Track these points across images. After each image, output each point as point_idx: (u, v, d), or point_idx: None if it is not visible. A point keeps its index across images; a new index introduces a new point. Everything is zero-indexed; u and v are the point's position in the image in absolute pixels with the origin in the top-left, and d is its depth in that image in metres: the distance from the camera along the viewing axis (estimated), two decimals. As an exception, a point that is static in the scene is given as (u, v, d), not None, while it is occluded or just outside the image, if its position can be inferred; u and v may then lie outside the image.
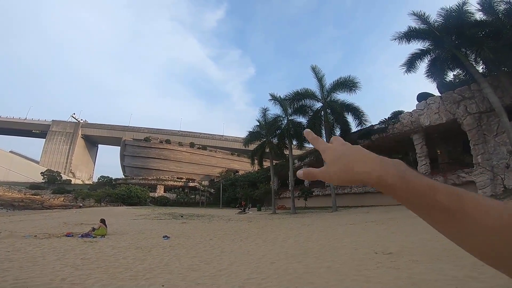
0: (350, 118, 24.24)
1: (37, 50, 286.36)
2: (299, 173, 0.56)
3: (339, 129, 24.67)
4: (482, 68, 20.01)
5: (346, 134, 24.52)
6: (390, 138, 25.15)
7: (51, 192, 62.09)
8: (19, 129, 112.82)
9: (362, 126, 24.33)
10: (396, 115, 26.14)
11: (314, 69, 24.24)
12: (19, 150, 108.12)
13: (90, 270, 4.93)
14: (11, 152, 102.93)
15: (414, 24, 19.53)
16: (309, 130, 0.58)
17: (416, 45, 20.23)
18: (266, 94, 27.05)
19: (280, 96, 26.39)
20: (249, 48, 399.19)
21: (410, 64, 20.47)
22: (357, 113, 23.85)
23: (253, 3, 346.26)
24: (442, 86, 22.03)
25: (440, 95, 21.80)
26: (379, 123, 26.37)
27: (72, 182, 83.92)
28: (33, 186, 69.25)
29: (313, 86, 24.70)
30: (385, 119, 26.81)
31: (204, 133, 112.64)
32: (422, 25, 19.26)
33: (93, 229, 9.93)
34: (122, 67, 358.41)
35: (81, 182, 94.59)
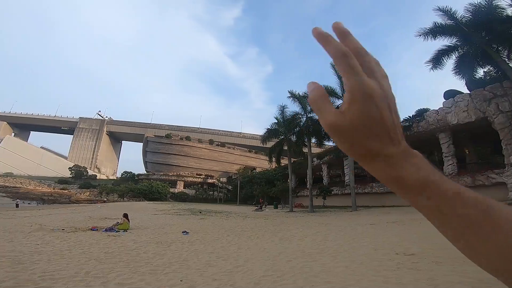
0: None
1: (66, 50, 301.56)
2: (310, 86, 0.36)
3: (361, 126, 24.05)
4: None
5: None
6: (414, 137, 24.19)
7: (78, 187, 65.49)
8: (49, 126, 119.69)
9: (385, 124, 23.60)
10: (421, 113, 25.10)
11: (334, 66, 23.71)
12: (49, 146, 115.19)
13: (112, 264, 5.13)
14: (42, 148, 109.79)
15: (440, 20, 18.94)
16: (316, 28, 0.37)
17: (443, 42, 19.63)
18: (284, 92, 27.13)
19: (299, 94, 26.11)
20: (267, 46, 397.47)
21: (437, 60, 19.82)
22: (379, 111, 23.13)
23: (269, 2, 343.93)
24: (472, 83, 20.92)
25: (469, 92, 20.71)
26: (403, 121, 25.44)
27: (97, 177, 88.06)
28: (62, 181, 73.40)
29: (333, 84, 24.22)
30: (409, 117, 25.81)
31: (223, 130, 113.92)
32: (449, 21, 18.61)
33: (117, 224, 10.37)
34: (143, 65, 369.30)
35: (106, 177, 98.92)
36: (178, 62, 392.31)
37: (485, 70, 22.54)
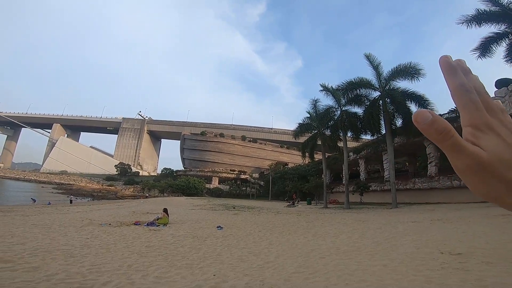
0: (413, 108, 21.94)
1: (107, 54, 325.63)
2: (421, 115, 0.31)
3: (401, 118, 22.56)
4: None
5: (409, 124, 22.31)
6: (461, 129, 22.13)
7: (123, 183, 70.74)
8: (97, 127, 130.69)
9: (428, 115, 21.85)
10: (468, 102, 22.81)
11: (368, 57, 22.50)
12: (97, 145, 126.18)
13: (152, 258, 5.44)
14: (91, 147, 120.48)
15: (484, 6, 17.55)
16: (446, 56, 0.35)
17: (489, 29, 18.18)
18: (315, 87, 26.35)
19: (332, 87, 25.22)
20: (295, 41, 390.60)
21: (484, 48, 18.41)
22: (422, 102, 21.45)
23: None
24: None
25: (525, 80, 18.66)
26: (448, 112, 23.37)
27: (140, 174, 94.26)
28: (109, 178, 79.83)
29: (368, 75, 22.99)
30: (455, 108, 23.61)
31: (254, 126, 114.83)
32: (494, 7, 17.22)
33: (158, 218, 11.00)
34: (177, 66, 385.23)
35: (147, 174, 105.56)
36: (209, 61, 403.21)
37: None
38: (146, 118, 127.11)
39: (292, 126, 32.88)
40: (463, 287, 3.24)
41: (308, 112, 28.79)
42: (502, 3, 16.78)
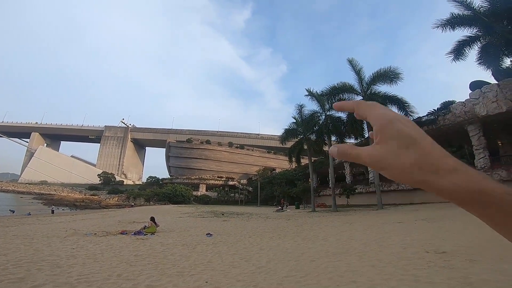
0: (394, 110, 22.71)
1: (87, 61, 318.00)
2: (332, 150, 0.42)
3: (382, 122, 23.27)
4: None
5: (390, 127, 23.06)
6: (441, 130, 23.05)
7: (107, 193, 68.58)
8: (78, 135, 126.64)
9: (408, 118, 22.65)
10: (447, 105, 23.95)
11: (351, 62, 23.22)
12: (78, 154, 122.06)
13: (142, 266, 5.34)
14: (72, 156, 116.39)
15: (457, 10, 18.44)
16: (338, 102, 0.46)
17: (462, 32, 19.02)
18: (300, 91, 26.93)
19: (316, 92, 25.74)
20: (280, 46, 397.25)
21: (458, 51, 19.20)
22: (402, 105, 22.28)
23: (278, 2, 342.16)
24: (499, 73, 19.90)
25: (497, 82, 19.60)
26: (427, 115, 24.36)
27: (124, 183, 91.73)
28: (92, 187, 77.23)
29: (351, 80, 23.69)
30: (434, 110, 24.68)
31: (241, 133, 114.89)
32: (466, 11, 18.05)
33: (145, 227, 10.77)
34: (161, 72, 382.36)
35: (132, 183, 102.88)
36: (195, 67, 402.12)
37: None
38: (130, 126, 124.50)
39: (279, 132, 33.22)
40: (450, 284, 3.35)
41: (294, 118, 29.21)
42: (473, 7, 17.52)
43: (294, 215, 20.30)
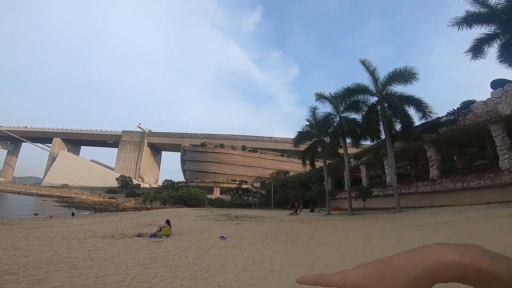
0: (411, 112, 22.01)
1: (104, 66, 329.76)
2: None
3: (399, 123, 22.62)
4: None
5: (408, 128, 22.35)
6: (462, 131, 22.13)
7: (124, 196, 70.37)
8: (97, 140, 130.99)
9: (426, 119, 21.84)
10: (467, 105, 23.00)
11: (364, 63, 22.76)
12: (97, 158, 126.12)
13: (156, 269, 5.39)
14: (91, 160, 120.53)
15: (472, 8, 17.69)
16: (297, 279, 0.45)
17: (480, 30, 18.24)
18: (311, 94, 26.57)
19: (330, 94, 25.40)
20: (290, 49, 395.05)
21: (477, 50, 18.42)
22: (420, 105, 21.54)
23: (287, 4, 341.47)
24: None
25: (520, 80, 18.68)
26: (446, 115, 23.46)
27: (141, 186, 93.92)
28: (110, 191, 79.47)
29: (364, 81, 23.20)
30: (454, 110, 23.75)
31: (254, 136, 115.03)
32: (482, 9, 17.30)
33: (160, 229, 10.91)
34: (174, 76, 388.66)
35: (149, 186, 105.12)
36: (206, 71, 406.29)
37: None
38: (146, 131, 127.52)
39: (291, 134, 33.11)
40: None
41: (308, 120, 28.93)
42: (490, 4, 16.86)
43: (308, 219, 20.01)
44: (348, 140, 26.25)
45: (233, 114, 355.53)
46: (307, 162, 30.47)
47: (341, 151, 27.43)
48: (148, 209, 48.43)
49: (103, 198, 69.32)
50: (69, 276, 4.68)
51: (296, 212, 28.60)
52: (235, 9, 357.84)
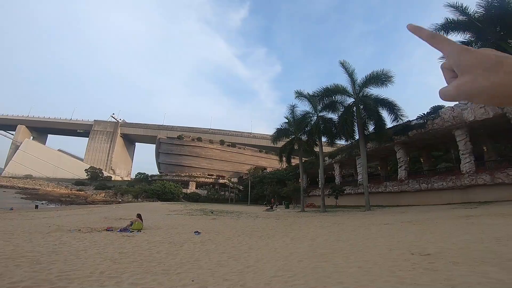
0: (384, 114, 23.02)
1: (79, 54, 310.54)
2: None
3: (373, 124, 23.58)
4: None
5: (380, 130, 23.39)
6: (430, 134, 23.53)
7: (94, 188, 67.28)
8: (66, 129, 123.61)
9: (398, 121, 22.99)
10: (436, 110, 24.48)
11: (343, 64, 23.40)
12: (66, 148, 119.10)
13: (126, 264, 5.22)
14: (59, 150, 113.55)
15: (452, 15, 18.55)
16: (413, 25, 0.49)
17: (456, 37, 19.16)
18: (293, 92, 26.84)
19: (308, 93, 25.88)
20: (275, 46, 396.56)
21: None
22: (393, 108, 22.60)
23: (276, 2, 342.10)
24: None
25: (486, 88, 20.06)
26: (416, 119, 24.82)
27: (112, 179, 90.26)
28: (78, 183, 75.65)
29: (343, 82, 23.90)
30: (424, 114, 25.18)
31: (233, 131, 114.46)
32: (461, 17, 18.17)
33: (131, 224, 10.56)
34: (155, 68, 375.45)
35: (120, 179, 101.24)
36: (189, 64, 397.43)
37: None
38: (120, 121, 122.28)
39: (271, 131, 33.24)
40: (434, 287, 3.39)
41: (286, 118, 29.27)
42: (469, 12, 17.70)
43: (283, 215, 20.36)
44: (324, 139, 26.95)
45: (213, 108, 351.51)
46: (284, 159, 30.92)
47: (317, 149, 28.13)
48: (119, 202, 46.87)
49: (71, 190, 65.77)
50: (31, 271, 4.40)
51: (272, 208, 28.97)
52: (223, 4, 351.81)
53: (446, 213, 13.45)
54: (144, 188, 58.45)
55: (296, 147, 29.04)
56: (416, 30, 0.47)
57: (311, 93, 25.64)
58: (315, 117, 26.21)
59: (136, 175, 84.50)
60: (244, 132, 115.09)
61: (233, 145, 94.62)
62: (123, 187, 62.80)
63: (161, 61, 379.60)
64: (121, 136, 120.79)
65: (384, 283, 3.70)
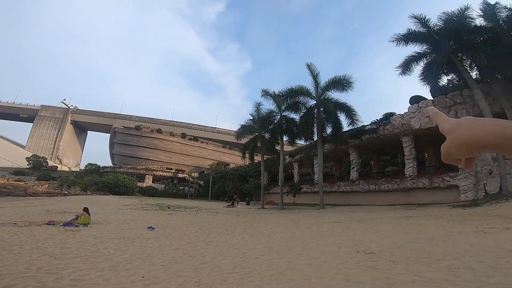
0: (342, 117, 24.34)
1: (30, 35, 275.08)
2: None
3: (331, 127, 24.78)
4: (476, 74, 20.04)
5: (337, 132, 24.67)
6: (381, 139, 25.42)
7: (36, 179, 60.53)
8: (6, 113, 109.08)
9: (354, 125, 24.48)
10: (388, 116, 26.45)
11: (309, 67, 24.19)
12: (5, 133, 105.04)
13: (68, 260, 4.84)
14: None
15: (414, 27, 19.38)
16: (432, 107, 0.60)
17: (414, 48, 20.16)
18: (260, 90, 27.18)
19: (274, 92, 26.29)
20: (248, 43, 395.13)
21: (406, 66, 20.51)
22: (350, 113, 23.99)
23: None
24: (435, 90, 22.17)
25: (432, 99, 22.01)
26: (370, 124, 26.63)
27: (58, 169, 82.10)
28: (17, 172, 67.40)
29: (308, 84, 24.75)
30: (377, 120, 27.11)
31: (197, 124, 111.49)
32: (422, 28, 19.09)
33: (76, 218, 9.73)
34: (120, 55, 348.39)
35: (68, 169, 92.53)
36: (157, 54, 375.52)
37: (449, 78, 23.77)
38: (72, 107, 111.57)
39: (237, 127, 33.13)
40: (374, 284, 3.62)
41: (251, 115, 29.46)
42: (429, 24, 18.70)
43: (244, 211, 20.47)
44: (285, 138, 27.65)
45: (177, 101, 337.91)
46: (247, 155, 31.12)
47: (278, 148, 28.75)
48: (65, 195, 43.03)
49: (7, 180, 58.30)
50: None
51: (233, 205, 28.94)
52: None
53: (389, 213, 14.70)
54: (95, 180, 54.25)
55: (259, 144, 29.38)
56: (432, 112, 0.59)
57: (277, 92, 26.12)
58: (279, 116, 26.76)
59: (86, 166, 77.96)
60: (208, 127, 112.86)
61: (195, 139, 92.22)
62: (70, 178, 57.53)
63: (127, 48, 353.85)
64: (71, 123, 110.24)
65: (331, 280, 3.88)
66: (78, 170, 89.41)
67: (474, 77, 19.29)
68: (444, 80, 22.92)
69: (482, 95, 17.02)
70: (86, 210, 10.30)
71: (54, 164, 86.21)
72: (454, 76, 22.45)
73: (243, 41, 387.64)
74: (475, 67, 19.03)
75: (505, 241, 5.76)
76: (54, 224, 9.16)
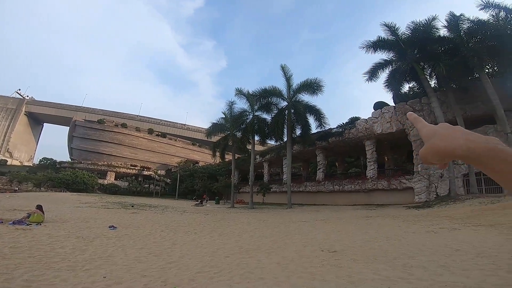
0: (311, 120, 25.08)
1: None
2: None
3: (300, 128, 25.41)
4: (434, 83, 21.37)
5: (306, 134, 25.37)
6: (346, 142, 26.63)
7: (-20, 173, 54.34)
8: None
9: (322, 128, 25.33)
10: (353, 121, 27.79)
11: (283, 68, 24.56)
12: None
13: (20, 260, 4.46)
14: None
15: (384, 34, 20.15)
16: (411, 112, 0.65)
17: (382, 55, 21.02)
18: (234, 89, 27.02)
19: (248, 92, 26.33)
20: (224, 41, 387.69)
21: (373, 73, 21.43)
22: (319, 115, 24.79)
23: None
24: (397, 97, 23.57)
25: (394, 105, 23.45)
26: (336, 127, 27.79)
27: (8, 163, 74.63)
28: (-44, 164, 59.99)
29: (281, 85, 25.13)
30: (343, 123, 28.34)
31: (165, 120, 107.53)
32: (391, 36, 19.88)
33: (28, 216, 8.92)
34: (89, 48, 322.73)
35: (20, 163, 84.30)
36: (126, 46, 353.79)
37: (410, 85, 25.33)
38: (27, 98, 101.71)
39: (208, 125, 32.60)
40: (337, 282, 3.79)
41: (224, 113, 29.19)
42: (398, 33, 19.50)
43: (213, 210, 20.22)
44: (256, 138, 27.81)
45: (146, 96, 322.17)
46: (218, 154, 30.79)
47: (249, 147, 28.83)
48: (15, 191, 39.21)
49: None
50: None
51: (202, 204, 28.46)
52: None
53: (351, 213, 15.48)
54: (50, 176, 50.02)
55: (230, 143, 29.22)
56: (411, 117, 0.63)
57: (251, 92, 26.17)
58: (251, 116, 26.83)
59: (40, 161, 71.65)
60: (177, 123, 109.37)
61: (163, 135, 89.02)
62: (22, 174, 52.45)
63: (97, 41, 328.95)
64: (25, 114, 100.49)
65: (297, 279, 3.99)
66: (32, 164, 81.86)
67: (432, 85, 20.58)
68: (406, 87, 24.40)
69: (438, 103, 18.37)
70: (39, 207, 9.51)
71: (4, 158, 78.17)
72: (415, 84, 23.95)
73: (220, 39, 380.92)
74: (434, 76, 20.18)
75: (452, 241, 6.32)
76: (2, 222, 8.30)
